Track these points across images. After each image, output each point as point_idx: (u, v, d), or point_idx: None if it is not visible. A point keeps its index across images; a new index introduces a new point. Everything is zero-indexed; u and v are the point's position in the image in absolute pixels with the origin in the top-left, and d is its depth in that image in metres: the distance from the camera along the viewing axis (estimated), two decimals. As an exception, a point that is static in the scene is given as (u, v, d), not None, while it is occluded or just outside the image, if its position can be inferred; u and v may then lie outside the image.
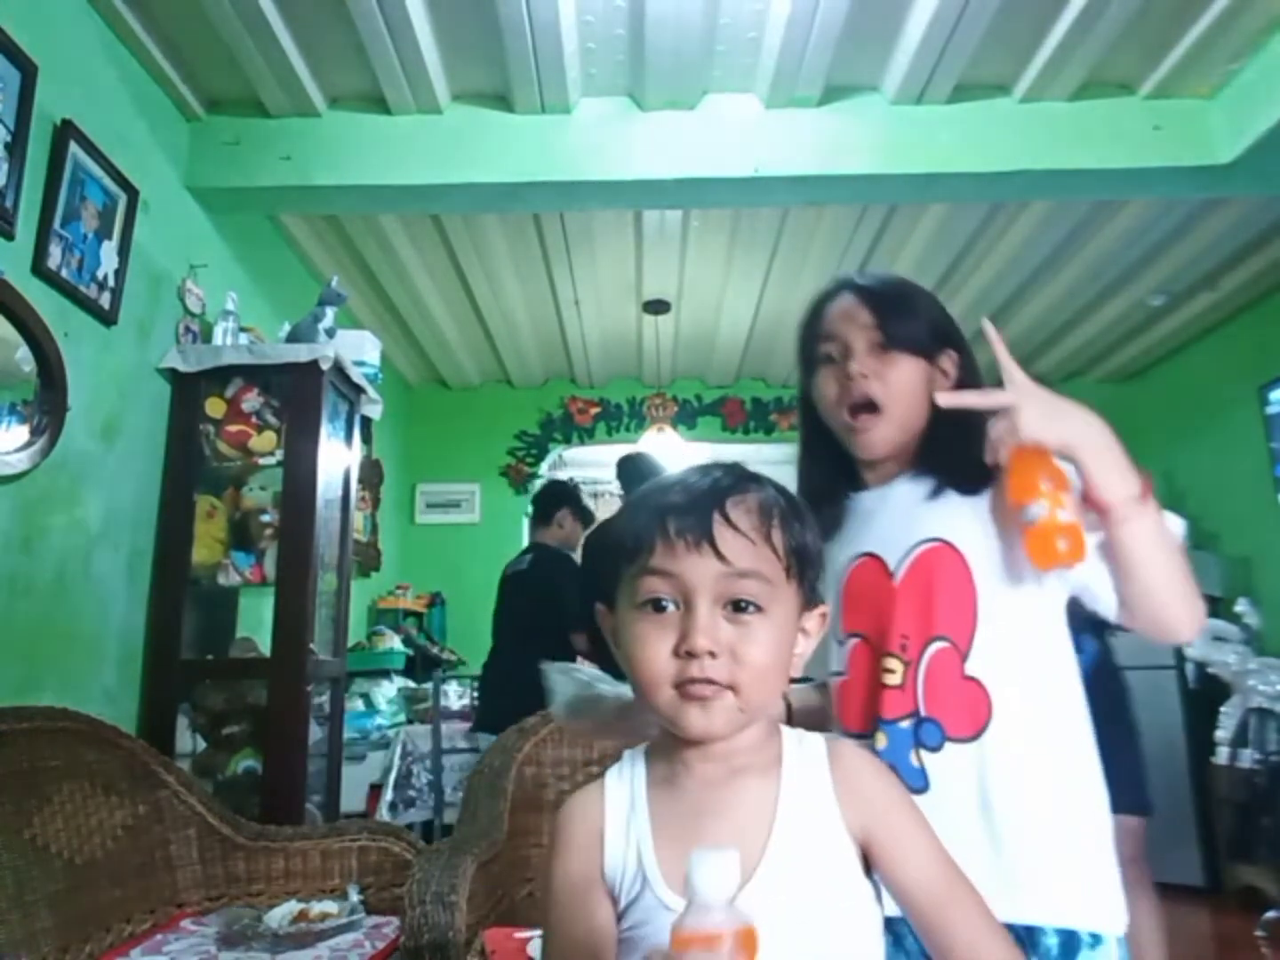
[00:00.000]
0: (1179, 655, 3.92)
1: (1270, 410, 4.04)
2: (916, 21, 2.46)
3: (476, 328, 4.53)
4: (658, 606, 0.72)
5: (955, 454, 1.02)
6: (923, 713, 0.96)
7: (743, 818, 0.72)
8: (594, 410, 5.31)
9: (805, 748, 0.76)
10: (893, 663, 0.99)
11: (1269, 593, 4.11)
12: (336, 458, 2.80)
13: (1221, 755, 3.60)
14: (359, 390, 2.93)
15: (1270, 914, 3.18)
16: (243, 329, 2.76)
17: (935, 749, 0.95)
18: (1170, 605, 0.92)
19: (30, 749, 1.71)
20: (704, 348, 4.86)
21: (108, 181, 2.34)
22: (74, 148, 2.19)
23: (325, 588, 2.69)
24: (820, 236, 3.61)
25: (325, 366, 2.59)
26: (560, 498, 3.46)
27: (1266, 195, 3.00)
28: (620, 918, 0.73)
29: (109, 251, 2.35)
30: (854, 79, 2.75)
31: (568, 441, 5.35)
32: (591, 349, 4.84)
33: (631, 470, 3.39)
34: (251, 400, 2.63)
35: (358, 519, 3.72)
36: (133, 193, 2.44)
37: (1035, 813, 0.92)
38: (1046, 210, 3.35)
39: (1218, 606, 4.12)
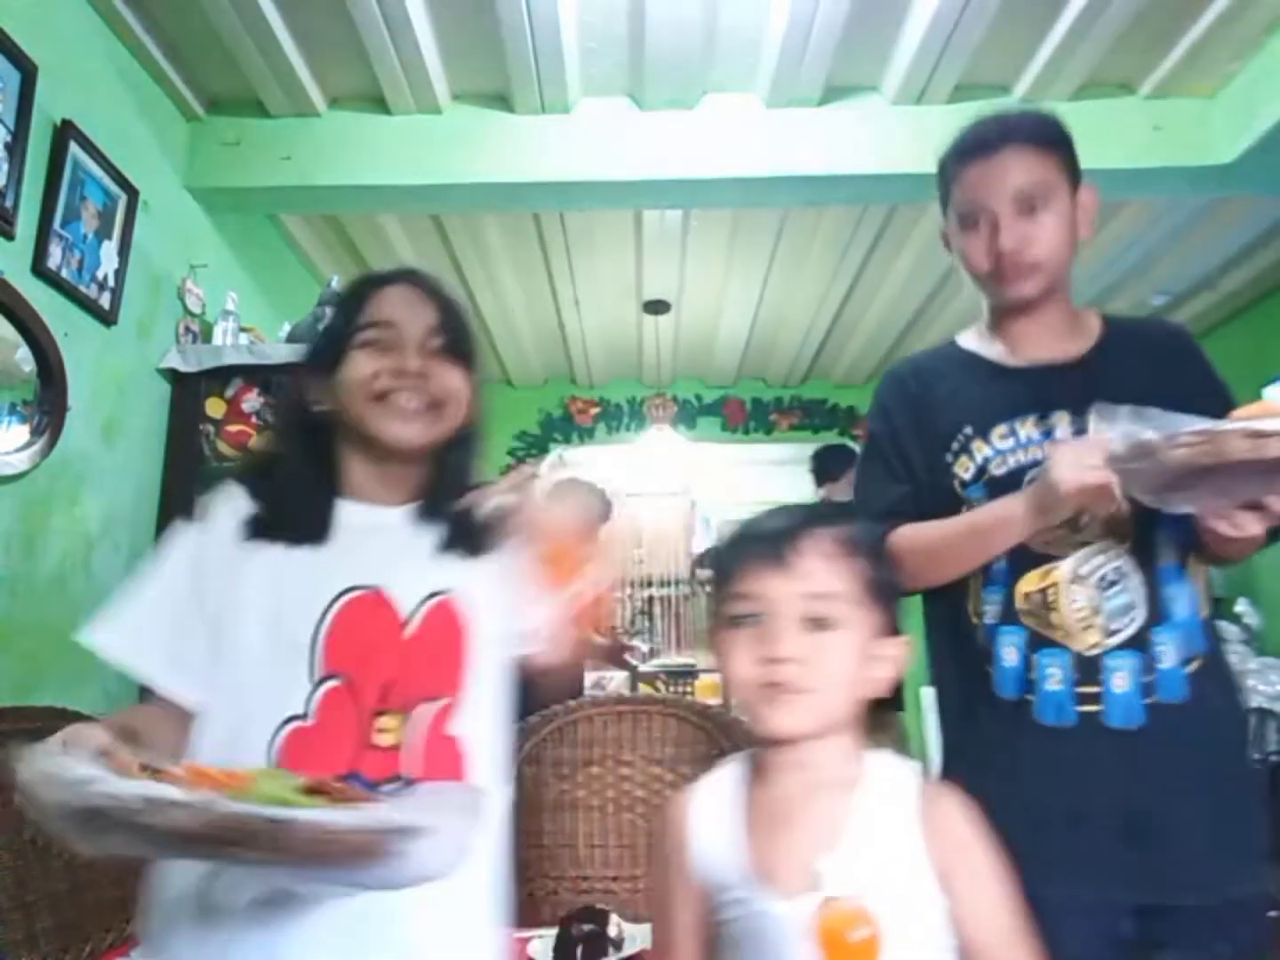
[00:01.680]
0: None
1: (1270, 410, 4.04)
2: (916, 22, 2.46)
3: (476, 327, 4.52)
4: (743, 621, 0.84)
5: (453, 504, 0.98)
6: (408, 776, 0.88)
7: (815, 828, 0.81)
8: (594, 410, 5.31)
9: (894, 773, 0.84)
10: (388, 721, 0.89)
11: (1269, 593, 4.11)
12: (336, 458, 2.80)
13: (1221, 755, 3.60)
14: (359, 390, 2.93)
15: (1270, 914, 3.18)
16: (243, 329, 2.76)
17: None
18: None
19: (31, 749, 1.71)
20: (704, 348, 4.86)
21: (108, 181, 2.34)
22: (74, 148, 2.19)
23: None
24: (820, 236, 3.61)
25: (325, 366, 2.58)
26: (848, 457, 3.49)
27: (1267, 195, 3.00)
28: (718, 910, 0.83)
29: (109, 251, 2.35)
30: (854, 79, 2.75)
31: (568, 441, 5.34)
32: (591, 349, 4.84)
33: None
34: (252, 400, 2.63)
35: (358, 519, 3.72)
36: (133, 193, 2.44)
37: (482, 888, 0.92)
38: (1046, 210, 3.35)
39: (1218, 607, 4.13)
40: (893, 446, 1.23)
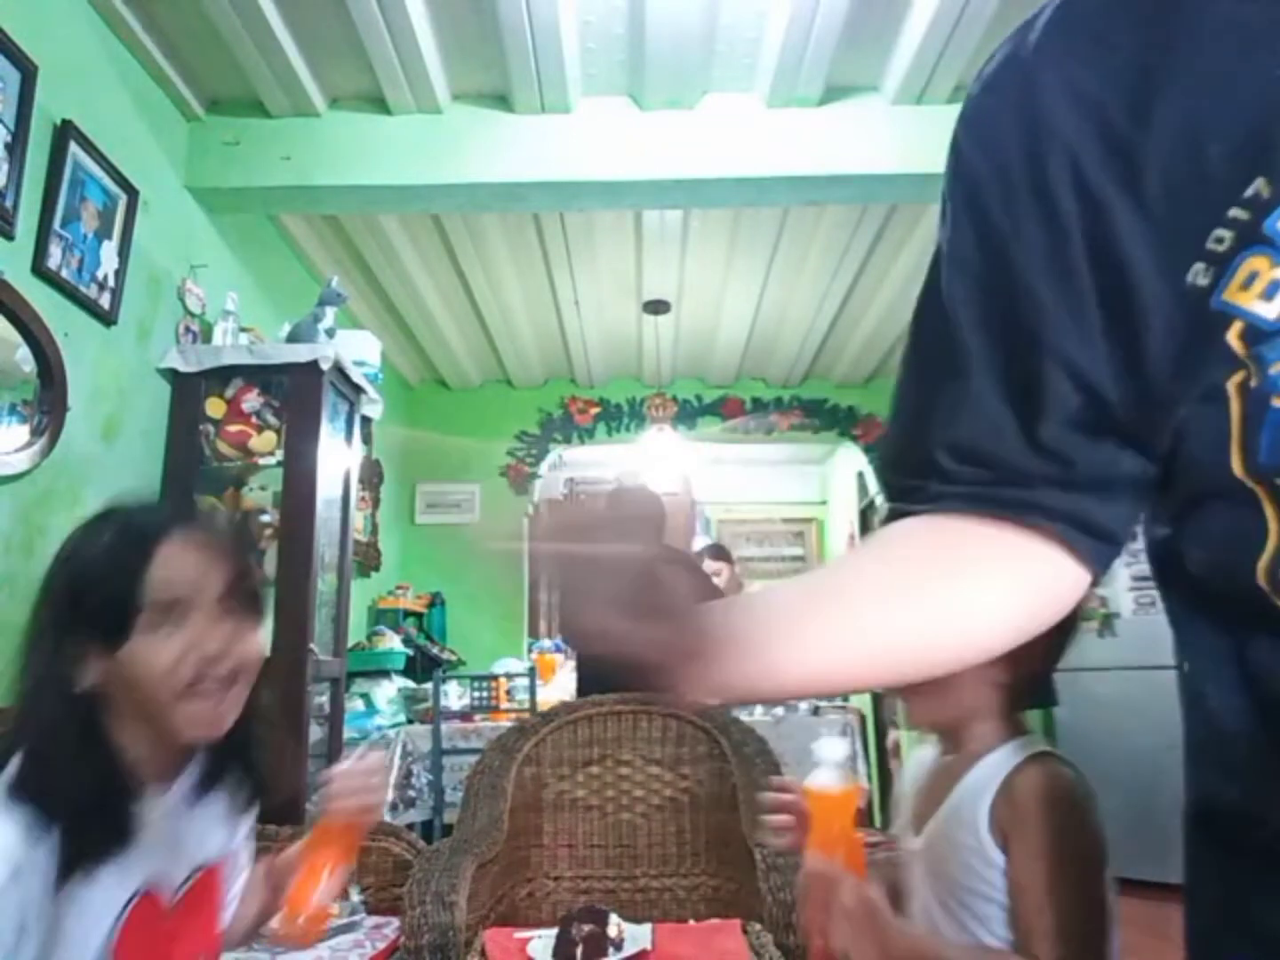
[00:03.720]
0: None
1: (1270, 410, 4.02)
2: (916, 21, 2.46)
3: (476, 328, 4.52)
4: None
5: (241, 775, 0.94)
6: None
7: (940, 789, 0.92)
8: (594, 410, 5.31)
9: (1010, 753, 0.89)
10: None
11: (1269, 593, 4.11)
12: (336, 458, 2.80)
13: (1222, 755, 3.60)
14: (359, 390, 2.93)
15: None
16: (243, 329, 2.76)
17: None
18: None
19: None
20: (704, 348, 4.86)
21: (108, 181, 2.34)
22: (74, 148, 2.19)
23: (325, 588, 2.69)
24: (820, 236, 3.61)
25: (325, 366, 2.59)
26: None
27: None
28: None
29: (109, 251, 2.35)
30: (854, 79, 2.75)
31: (568, 441, 5.34)
32: (591, 349, 4.84)
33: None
34: (251, 400, 2.63)
35: (358, 519, 3.72)
36: (133, 193, 2.44)
37: None
38: (1046, 210, 3.35)
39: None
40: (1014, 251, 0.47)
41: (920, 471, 0.50)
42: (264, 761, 0.95)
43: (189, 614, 0.83)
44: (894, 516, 0.52)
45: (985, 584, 0.49)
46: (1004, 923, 0.82)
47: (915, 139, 2.75)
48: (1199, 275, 0.40)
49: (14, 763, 0.79)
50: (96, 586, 0.84)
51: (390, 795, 3.05)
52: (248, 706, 0.90)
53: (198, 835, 0.92)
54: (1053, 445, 0.45)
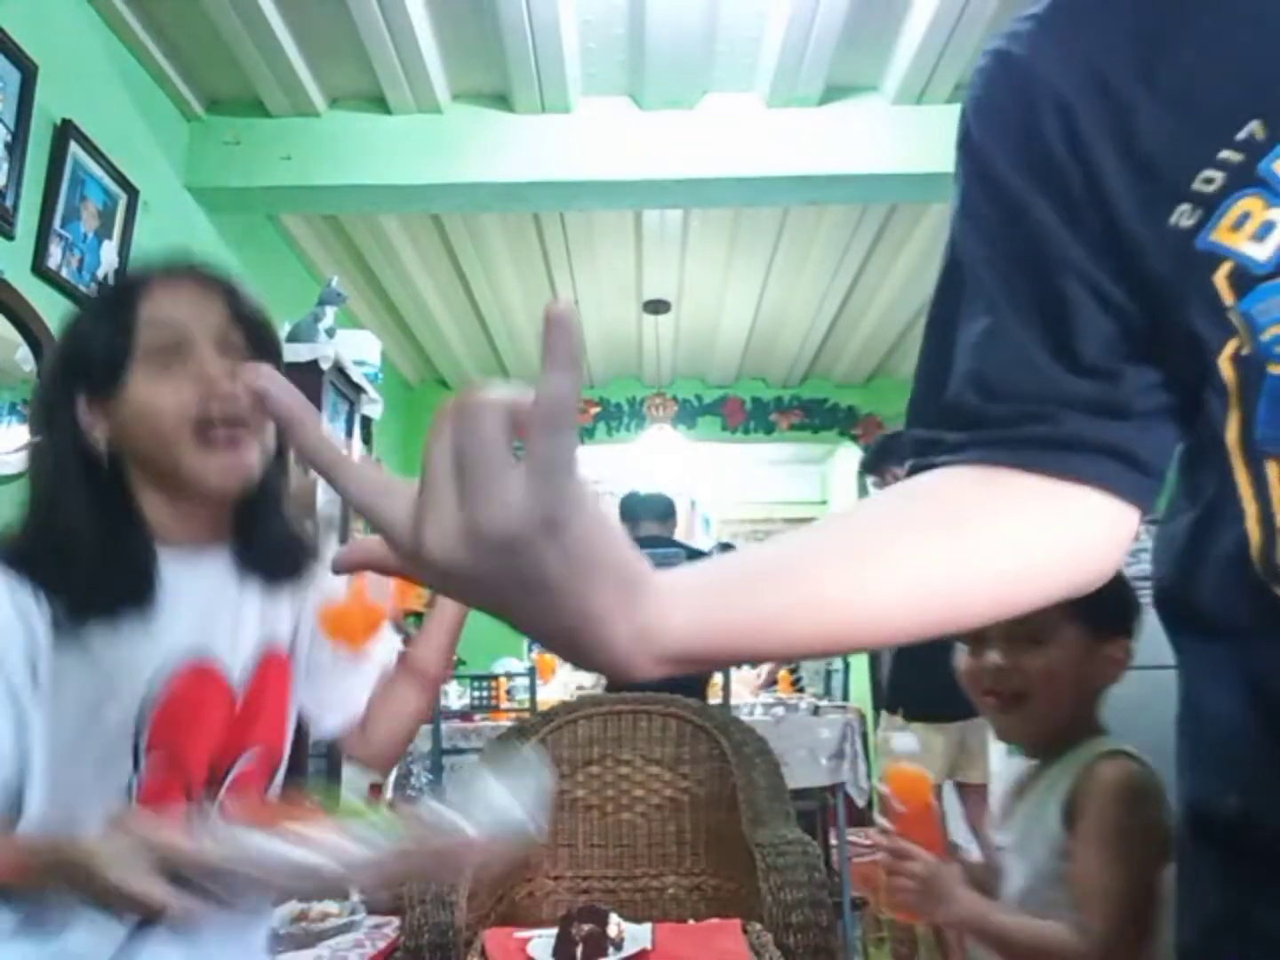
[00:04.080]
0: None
1: (1270, 410, 4.02)
2: (916, 22, 2.46)
3: (476, 328, 4.53)
4: None
5: (291, 529, 0.88)
6: None
7: (1025, 788, 0.99)
8: (594, 410, 5.31)
9: (1087, 751, 0.94)
10: (208, 805, 0.82)
11: (1269, 593, 4.11)
12: (336, 458, 2.80)
13: (1222, 755, 3.60)
14: (359, 390, 2.93)
15: (1270, 914, 3.18)
16: (243, 329, 2.76)
17: None
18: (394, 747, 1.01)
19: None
20: (704, 348, 4.86)
21: (108, 181, 2.34)
22: (74, 148, 2.19)
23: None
24: (820, 236, 3.61)
25: (325, 366, 2.59)
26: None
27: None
28: None
29: (109, 251, 2.35)
30: (854, 79, 2.75)
31: (568, 441, 5.34)
32: (591, 349, 4.84)
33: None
34: (251, 400, 2.63)
35: (358, 519, 3.72)
36: (133, 193, 2.44)
37: None
38: (1046, 210, 3.35)
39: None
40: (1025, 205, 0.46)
41: (945, 418, 0.46)
42: (299, 524, 0.88)
43: (187, 353, 0.79)
44: (913, 473, 0.47)
45: (1021, 524, 0.43)
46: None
47: (915, 139, 2.75)
48: (1183, 217, 0.39)
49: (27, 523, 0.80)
50: (89, 338, 0.81)
51: (390, 795, 3.05)
52: (273, 469, 0.86)
53: (258, 615, 0.86)
54: (1092, 360, 0.42)
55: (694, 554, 3.65)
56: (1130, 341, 0.43)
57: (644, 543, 3.38)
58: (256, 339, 0.84)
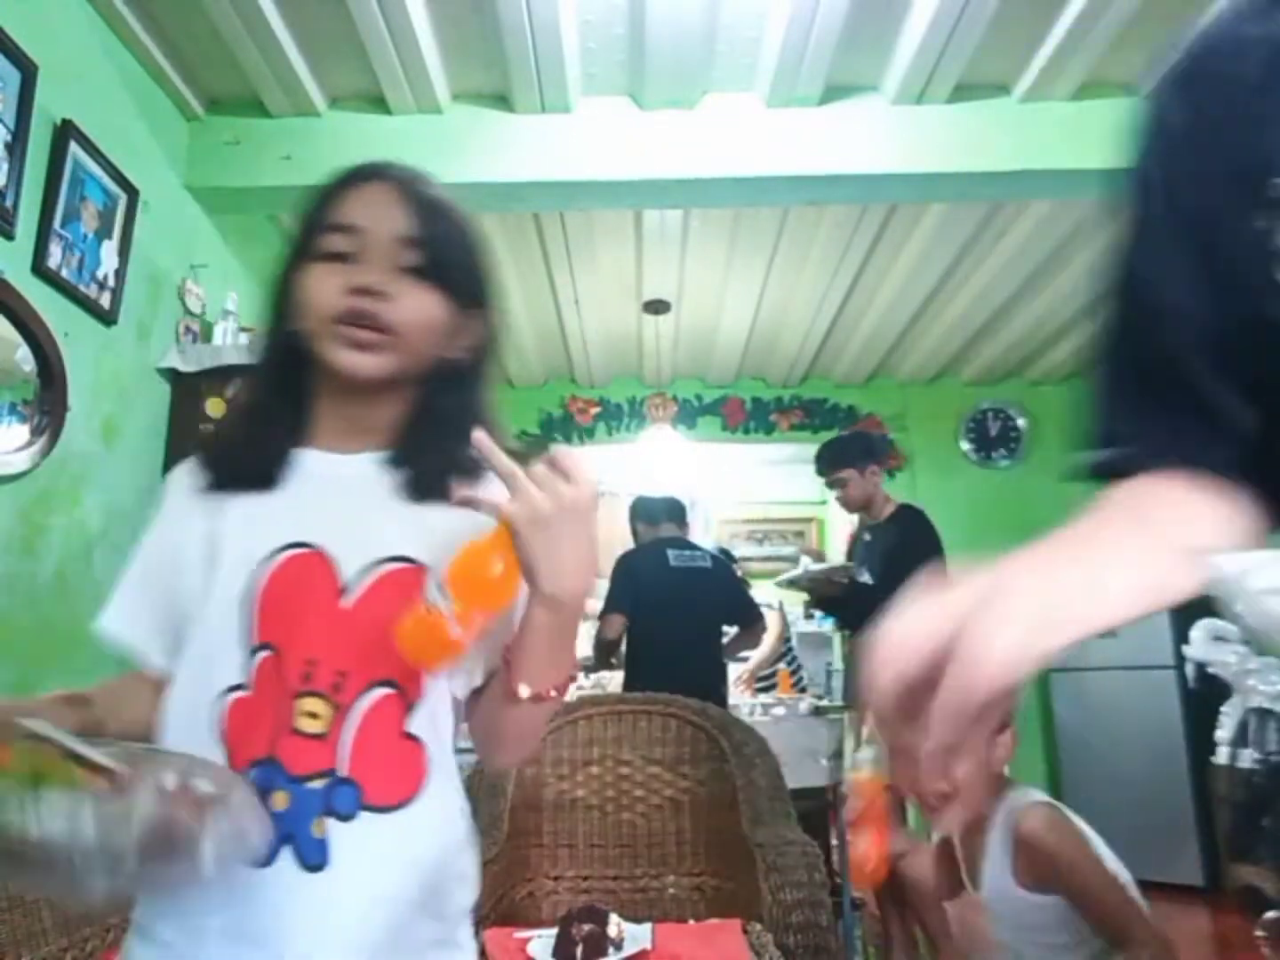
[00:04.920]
0: (1179, 655, 3.92)
1: (1271, 410, 4.01)
2: (916, 21, 2.46)
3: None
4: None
5: (451, 450, 0.83)
6: (343, 773, 0.74)
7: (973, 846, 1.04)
8: (594, 410, 5.31)
9: (1011, 807, 1.01)
10: (316, 704, 0.75)
11: (1269, 593, 4.11)
12: (336, 458, 2.80)
13: (1221, 755, 3.60)
14: (359, 390, 2.93)
15: (1270, 914, 3.18)
16: (243, 329, 2.76)
17: (346, 818, 0.74)
18: (501, 754, 0.87)
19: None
20: (704, 348, 4.86)
21: (108, 181, 2.34)
22: (74, 148, 2.19)
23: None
24: (820, 236, 3.60)
25: (325, 366, 2.59)
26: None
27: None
28: None
29: (109, 251, 2.35)
30: (854, 79, 2.75)
31: (568, 441, 5.34)
32: (591, 349, 4.84)
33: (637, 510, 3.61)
34: (251, 400, 2.63)
35: (358, 519, 3.71)
36: (133, 193, 2.44)
37: (437, 891, 0.78)
38: (1046, 210, 3.35)
39: (1219, 606, 4.12)
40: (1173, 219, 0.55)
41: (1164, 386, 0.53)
42: (443, 451, 0.83)
43: (354, 260, 0.83)
44: (1105, 471, 0.55)
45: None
46: (1071, 948, 0.98)
47: (915, 139, 2.75)
48: (1262, 219, 0.46)
49: None
50: (304, 210, 0.94)
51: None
52: (448, 390, 0.87)
53: (397, 530, 0.81)
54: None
55: (719, 557, 3.67)
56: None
57: (669, 543, 3.40)
58: (432, 262, 0.84)
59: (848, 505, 3.19)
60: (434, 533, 0.79)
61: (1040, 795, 1.14)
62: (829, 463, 3.22)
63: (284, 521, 0.80)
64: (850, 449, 3.25)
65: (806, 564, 3.01)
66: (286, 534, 0.79)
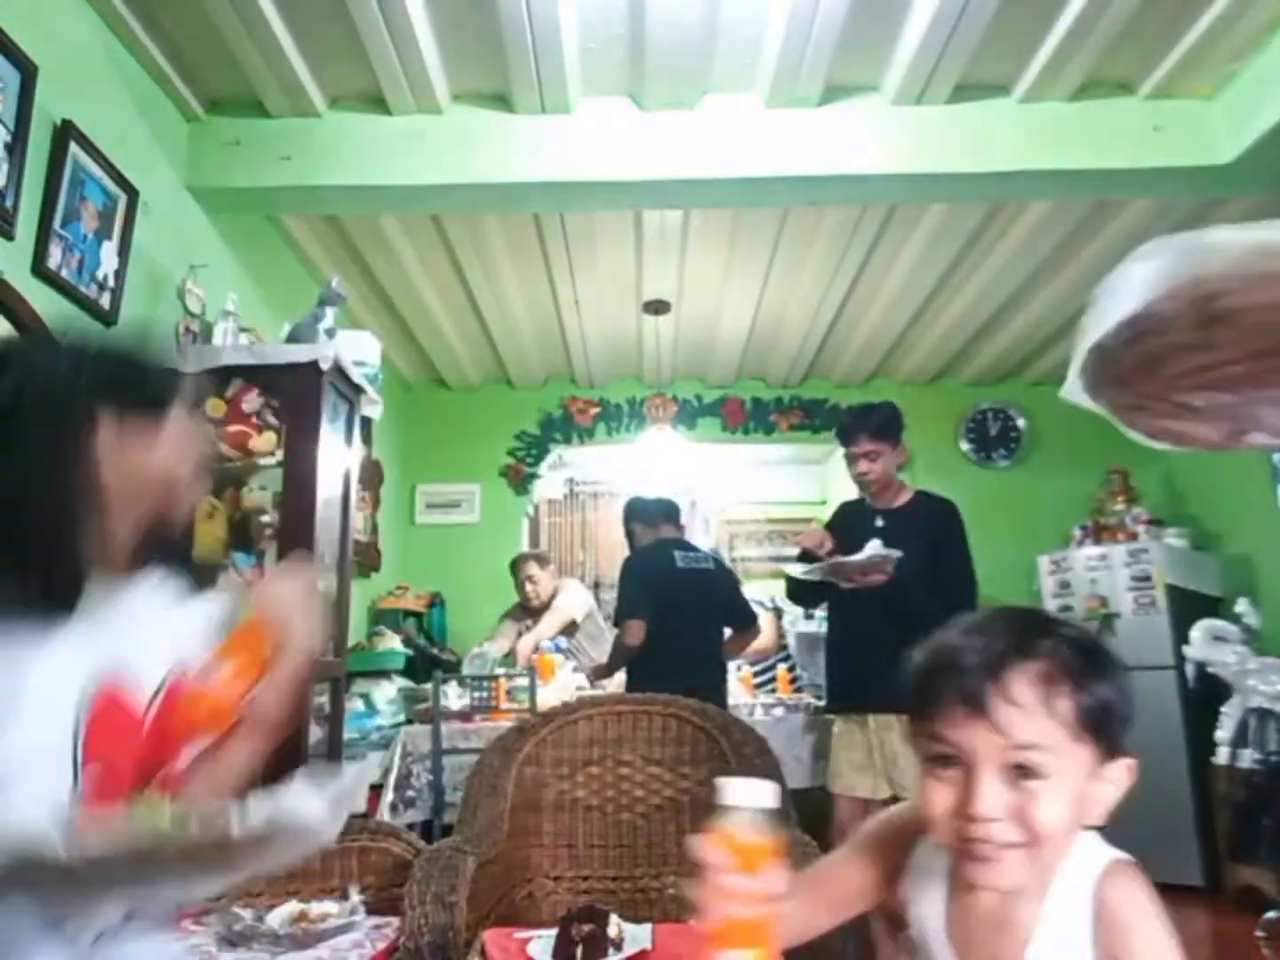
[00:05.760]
0: (1179, 655, 3.92)
1: (1271, 410, 4.01)
2: (916, 22, 2.46)
3: (476, 328, 4.52)
4: (943, 764, 0.76)
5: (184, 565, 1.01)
6: None
7: (1008, 934, 0.79)
8: (594, 410, 5.31)
9: (1085, 863, 0.79)
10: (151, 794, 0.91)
11: (1269, 593, 4.11)
12: (336, 458, 2.80)
13: (1221, 755, 3.60)
14: (359, 390, 2.93)
15: (1270, 914, 3.18)
16: (243, 329, 2.76)
17: None
18: None
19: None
20: (704, 348, 4.86)
21: (108, 182, 2.34)
22: (74, 148, 2.19)
23: (325, 588, 2.69)
24: (820, 236, 3.60)
25: (325, 367, 2.58)
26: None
27: (1266, 195, 3.00)
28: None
29: (109, 252, 2.35)
30: (854, 79, 2.75)
31: (568, 441, 5.34)
32: (591, 349, 4.84)
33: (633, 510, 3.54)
34: (251, 401, 2.62)
35: (358, 519, 3.72)
36: (133, 193, 2.44)
37: None
38: (1046, 210, 3.35)
39: (1218, 606, 4.13)
40: None
41: None
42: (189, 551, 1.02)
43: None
44: None
45: None
46: None
47: (915, 139, 2.75)
48: None
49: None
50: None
51: (390, 796, 3.05)
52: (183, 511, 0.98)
53: (171, 638, 0.94)
54: None
55: (718, 559, 3.66)
56: None
57: (673, 545, 3.39)
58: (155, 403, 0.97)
59: (870, 481, 2.74)
60: (198, 630, 0.96)
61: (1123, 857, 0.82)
62: (874, 429, 2.71)
63: (88, 649, 0.88)
64: (894, 422, 2.77)
65: (876, 546, 2.58)
66: (90, 662, 0.88)
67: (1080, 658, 0.76)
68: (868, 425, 2.71)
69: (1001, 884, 0.76)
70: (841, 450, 2.85)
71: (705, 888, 0.69)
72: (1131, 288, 0.63)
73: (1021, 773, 0.73)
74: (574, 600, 4.16)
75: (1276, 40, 2.52)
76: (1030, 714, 0.73)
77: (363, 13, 2.38)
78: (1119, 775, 0.77)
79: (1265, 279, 0.61)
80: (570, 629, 4.08)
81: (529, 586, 4.11)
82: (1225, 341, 0.65)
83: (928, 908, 0.84)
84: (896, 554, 2.51)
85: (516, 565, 4.23)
